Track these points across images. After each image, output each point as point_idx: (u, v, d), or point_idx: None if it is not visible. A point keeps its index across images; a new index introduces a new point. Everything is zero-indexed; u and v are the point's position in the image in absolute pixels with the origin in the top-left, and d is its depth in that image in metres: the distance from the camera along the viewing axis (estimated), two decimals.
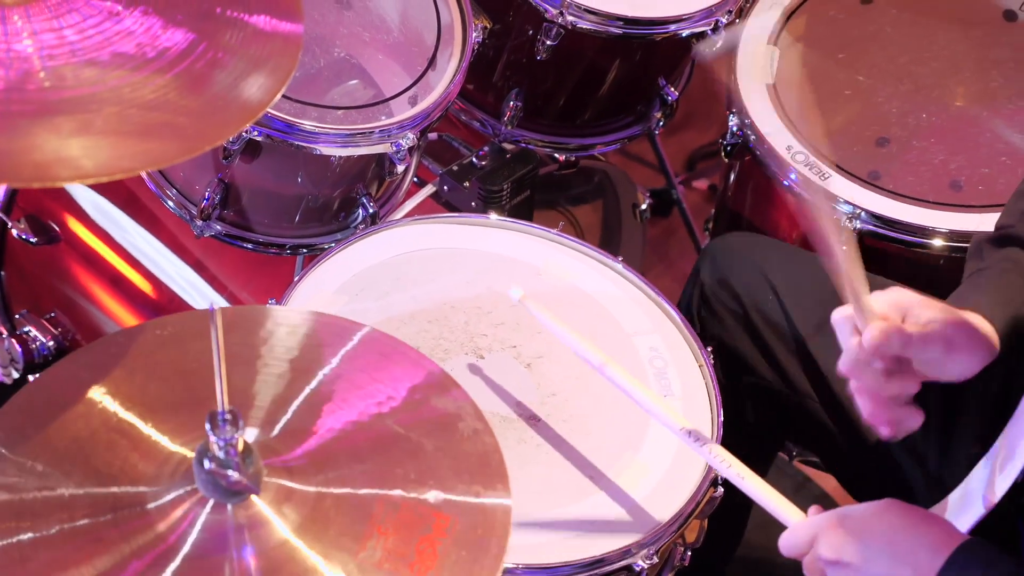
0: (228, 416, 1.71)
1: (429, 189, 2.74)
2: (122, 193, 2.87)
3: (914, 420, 2.04)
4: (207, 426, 1.71)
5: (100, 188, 2.89)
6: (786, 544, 2.01)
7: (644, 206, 3.15)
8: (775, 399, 2.43)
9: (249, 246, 2.60)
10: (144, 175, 2.62)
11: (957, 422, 2.25)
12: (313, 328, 1.96)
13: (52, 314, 2.92)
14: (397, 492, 1.82)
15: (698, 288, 2.51)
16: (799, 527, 2.00)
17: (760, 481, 2.07)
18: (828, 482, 3.16)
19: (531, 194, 2.74)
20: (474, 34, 2.53)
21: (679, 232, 3.59)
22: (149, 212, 2.84)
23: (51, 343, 2.92)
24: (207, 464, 1.71)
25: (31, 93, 1.69)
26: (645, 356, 2.34)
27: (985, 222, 2.37)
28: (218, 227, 2.57)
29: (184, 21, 1.84)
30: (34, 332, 2.91)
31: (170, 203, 2.61)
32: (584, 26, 2.61)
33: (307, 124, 2.39)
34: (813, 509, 2.02)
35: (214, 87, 1.78)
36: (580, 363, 2.26)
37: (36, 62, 1.72)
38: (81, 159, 1.66)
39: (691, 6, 2.66)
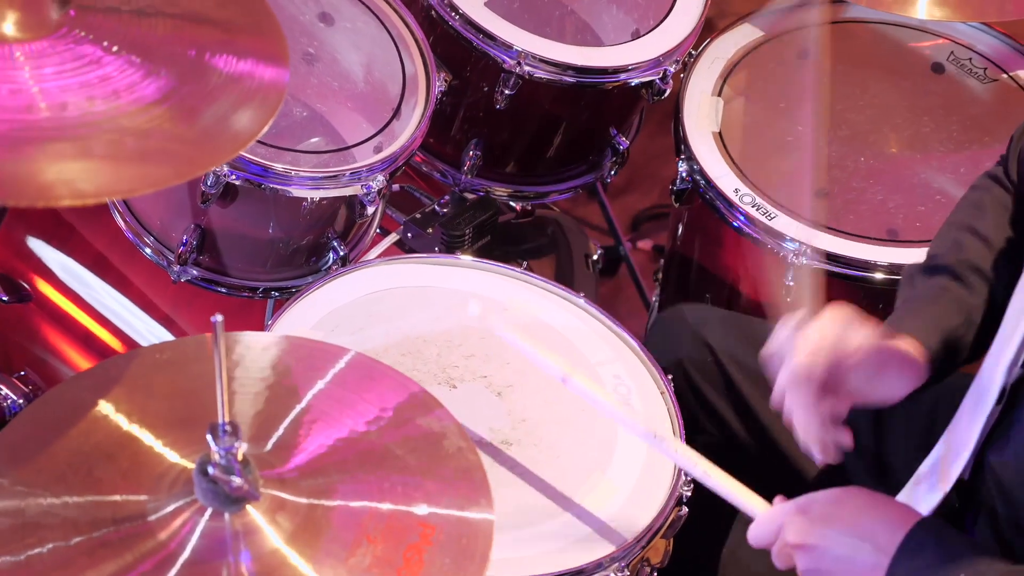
0: (228, 427, 1.81)
1: (394, 237, 2.85)
2: (91, 254, 2.96)
3: (844, 439, 2.17)
4: (208, 436, 1.80)
5: (69, 249, 2.97)
6: (754, 534, 2.10)
7: (596, 256, 3.27)
8: (719, 452, 2.55)
9: (223, 290, 2.70)
10: (122, 224, 2.71)
11: (892, 435, 2.38)
12: (303, 353, 2.07)
13: (23, 372, 2.97)
14: (385, 504, 1.91)
15: None
16: (766, 517, 2.09)
17: (726, 476, 2.16)
18: None
19: (492, 239, 2.85)
20: (437, 83, 2.65)
21: (627, 290, 3.70)
22: (118, 272, 2.92)
23: (22, 401, 2.97)
24: (211, 471, 1.80)
25: (34, 121, 1.80)
26: (610, 383, 2.45)
27: (922, 256, 2.50)
28: (194, 272, 2.67)
29: (174, 63, 1.96)
30: (5, 391, 2.94)
31: (147, 250, 2.71)
32: (540, 75, 2.75)
33: (280, 167, 2.50)
34: (778, 499, 2.11)
35: (206, 119, 1.89)
36: (549, 390, 2.39)
37: (37, 93, 1.83)
38: (81, 181, 1.77)
39: (640, 56, 2.80)
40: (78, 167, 1.77)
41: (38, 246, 2.99)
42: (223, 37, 2.01)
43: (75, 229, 2.96)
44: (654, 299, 3.24)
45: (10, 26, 1.87)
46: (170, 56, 1.96)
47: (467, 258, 2.58)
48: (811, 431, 2.16)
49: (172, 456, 1.90)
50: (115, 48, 1.92)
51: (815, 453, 2.17)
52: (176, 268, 2.65)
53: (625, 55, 2.81)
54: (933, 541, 1.98)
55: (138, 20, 1.95)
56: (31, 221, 2.99)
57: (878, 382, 2.16)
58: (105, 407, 1.93)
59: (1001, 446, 2.07)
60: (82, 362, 3.01)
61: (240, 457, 1.82)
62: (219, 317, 1.73)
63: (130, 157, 1.79)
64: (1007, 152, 2.37)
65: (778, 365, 2.17)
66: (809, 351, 2.13)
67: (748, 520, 2.15)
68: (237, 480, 1.80)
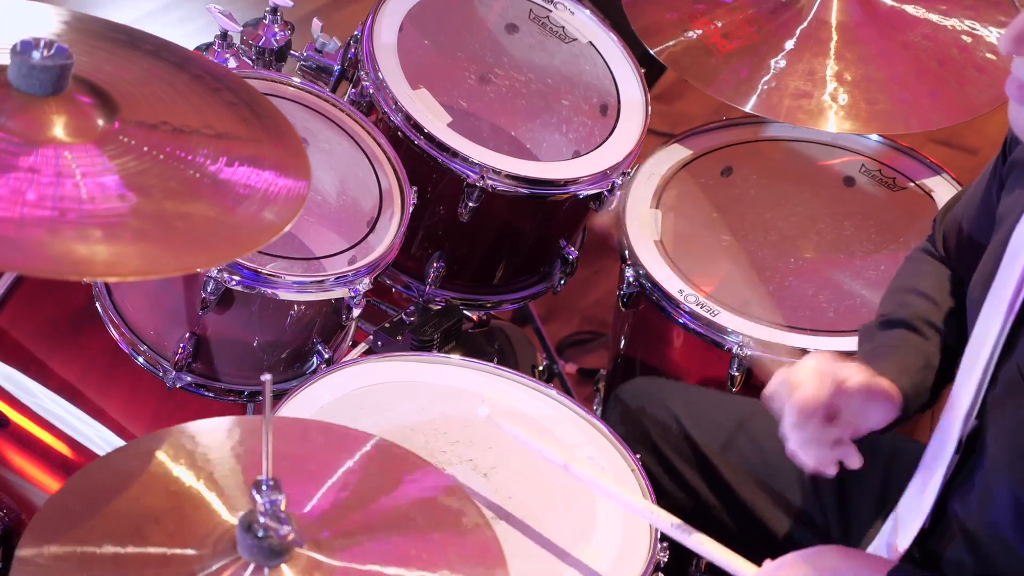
0: (272, 482, 1.97)
1: (363, 347, 3.04)
2: (68, 377, 3.07)
3: (855, 458, 2.34)
4: (253, 491, 1.97)
5: (44, 376, 3.07)
6: None
7: (542, 367, 3.48)
8: (690, 516, 2.75)
9: (211, 395, 2.86)
10: (116, 336, 2.86)
11: (851, 492, 2.59)
12: (332, 436, 2.27)
13: None
14: (411, 568, 2.08)
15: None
16: None
17: (716, 544, 2.38)
18: None
19: (456, 345, 3.05)
20: (411, 196, 2.87)
21: None
22: (91, 402, 3.04)
23: None
24: (261, 519, 1.95)
25: (94, 210, 2.00)
26: (585, 464, 2.65)
27: (852, 344, 2.74)
28: (188, 378, 2.83)
29: (209, 169, 2.18)
30: None
31: (141, 359, 2.86)
32: (501, 188, 2.98)
33: (267, 271, 2.69)
34: (767, 562, 2.33)
35: (243, 211, 2.10)
36: (530, 470, 2.59)
37: (93, 186, 2.02)
38: (138, 261, 1.98)
39: (589, 169, 3.05)
40: (135, 249, 1.96)
41: (9, 373, 3.10)
42: (250, 150, 2.22)
43: (52, 353, 3.07)
44: (596, 407, 3.45)
45: (60, 130, 2.07)
46: (204, 164, 2.17)
47: (443, 355, 2.79)
48: (822, 457, 2.33)
49: (215, 517, 2.05)
50: (155, 153, 2.12)
51: (828, 472, 2.35)
52: (172, 375, 2.81)
53: (575, 169, 3.05)
54: None
55: (175, 134, 2.16)
56: (6, 349, 3.11)
57: (867, 412, 2.34)
58: (150, 475, 2.09)
59: (964, 494, 2.27)
60: (56, 486, 3.09)
61: (283, 508, 1.98)
62: (268, 376, 1.91)
63: (181, 241, 1.99)
64: (933, 232, 2.63)
65: (779, 402, 2.33)
66: (811, 382, 2.29)
67: None
68: (285, 528, 1.96)
